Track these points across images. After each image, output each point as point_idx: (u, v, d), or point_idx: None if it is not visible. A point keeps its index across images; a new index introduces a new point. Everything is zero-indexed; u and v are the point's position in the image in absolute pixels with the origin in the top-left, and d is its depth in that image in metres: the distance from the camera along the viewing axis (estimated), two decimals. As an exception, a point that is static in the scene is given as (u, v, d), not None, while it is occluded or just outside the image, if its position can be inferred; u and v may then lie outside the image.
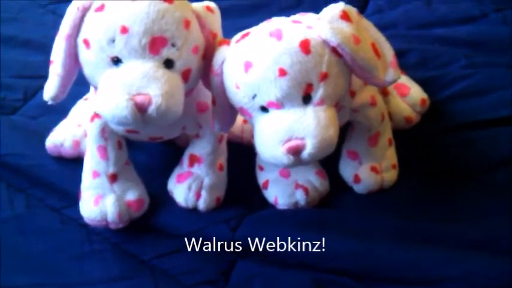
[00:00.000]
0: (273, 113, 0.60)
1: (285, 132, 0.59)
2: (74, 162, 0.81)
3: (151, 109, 0.58)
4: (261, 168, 0.76)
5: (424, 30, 1.00)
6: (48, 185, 0.80)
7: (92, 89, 0.82)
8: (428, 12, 1.06)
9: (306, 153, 0.59)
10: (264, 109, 0.61)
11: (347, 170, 0.75)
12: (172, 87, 0.59)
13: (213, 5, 0.67)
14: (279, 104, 0.60)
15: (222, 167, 0.76)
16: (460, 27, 1.01)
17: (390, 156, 0.76)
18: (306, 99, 0.60)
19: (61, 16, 0.65)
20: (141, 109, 0.57)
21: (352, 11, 0.63)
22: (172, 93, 0.59)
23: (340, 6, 0.62)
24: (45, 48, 1.09)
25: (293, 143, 0.59)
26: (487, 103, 0.84)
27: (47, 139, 0.82)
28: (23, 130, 0.89)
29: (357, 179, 0.74)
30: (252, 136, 0.79)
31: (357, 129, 0.74)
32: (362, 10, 1.09)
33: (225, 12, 0.72)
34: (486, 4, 1.06)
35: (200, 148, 0.74)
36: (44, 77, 1.01)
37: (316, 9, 0.70)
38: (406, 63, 0.92)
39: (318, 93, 0.60)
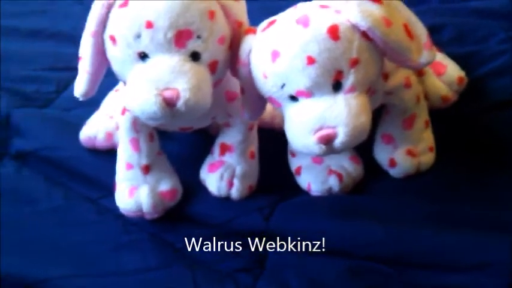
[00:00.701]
0: (303, 101, 0.59)
1: (316, 121, 0.58)
2: (108, 154, 0.82)
3: (180, 103, 0.57)
4: (293, 155, 0.75)
5: (458, 3, 0.95)
6: (85, 176, 0.81)
7: (121, 80, 0.82)
8: (464, -16, 1.01)
9: (338, 142, 0.58)
10: (293, 98, 0.60)
11: (382, 154, 0.73)
12: (200, 81, 0.59)
13: None
14: (309, 93, 0.58)
15: (254, 155, 0.75)
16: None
17: (427, 138, 0.73)
18: (337, 86, 0.58)
19: (88, 7, 0.65)
20: (169, 104, 0.57)
21: (382, -9, 0.61)
22: (199, 86, 0.58)
23: None
24: (75, 40, 1.09)
25: (324, 132, 0.57)
26: (528, 79, 0.80)
27: (81, 132, 0.83)
28: (57, 123, 0.90)
29: (392, 163, 0.72)
30: (283, 122, 0.79)
31: (392, 112, 0.71)
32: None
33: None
34: (521, -26, 1.00)
35: (231, 137, 0.73)
36: (76, 69, 1.04)
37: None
38: (440, 39, 0.89)
39: (349, 80, 0.58)
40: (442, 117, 0.77)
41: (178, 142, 0.83)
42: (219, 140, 0.75)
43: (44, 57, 1.06)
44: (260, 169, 0.76)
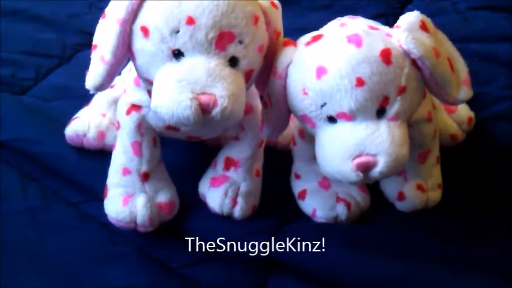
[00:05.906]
0: (342, 124, 0.56)
1: (356, 147, 0.55)
2: (95, 154, 0.75)
3: (216, 111, 0.53)
4: (298, 177, 0.72)
5: (462, 44, 0.96)
6: (64, 176, 0.74)
7: (121, 77, 0.76)
8: (465, 26, 1.02)
9: (376, 171, 0.55)
10: (331, 119, 0.57)
11: (391, 186, 0.71)
12: (238, 89, 0.54)
13: (276, 0, 0.62)
14: (351, 116, 0.55)
15: (259, 173, 0.71)
16: (497, 45, 0.98)
17: (436, 174, 0.72)
18: (380, 112, 0.55)
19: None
20: (204, 110, 0.52)
21: (429, 21, 0.59)
22: (237, 95, 0.54)
23: (418, 15, 0.58)
24: (56, 26, 1.03)
25: (364, 159, 0.54)
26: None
27: (68, 127, 0.76)
28: (35, 113, 0.82)
29: (401, 196, 0.70)
30: (288, 142, 0.75)
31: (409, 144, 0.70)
32: (396, 18, 1.04)
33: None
34: (522, 23, 1.04)
35: (239, 152, 0.69)
36: (58, 57, 0.96)
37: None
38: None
39: (394, 108, 0.55)
40: (449, 155, 0.76)
41: (174, 150, 0.77)
42: (224, 153, 0.70)
43: (22, 40, 0.98)
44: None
